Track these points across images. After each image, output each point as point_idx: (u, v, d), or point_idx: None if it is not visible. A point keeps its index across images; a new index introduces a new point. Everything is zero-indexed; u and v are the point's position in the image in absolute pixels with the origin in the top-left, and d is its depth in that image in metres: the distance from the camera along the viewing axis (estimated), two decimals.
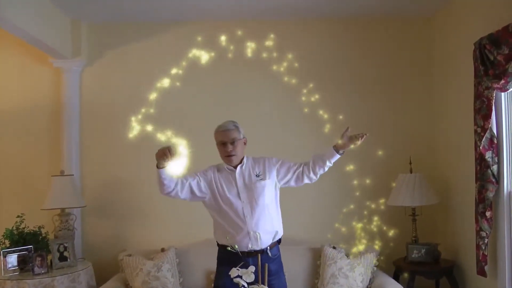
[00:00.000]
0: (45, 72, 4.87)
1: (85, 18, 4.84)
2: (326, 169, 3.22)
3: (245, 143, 3.23)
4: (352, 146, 3.12)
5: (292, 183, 3.28)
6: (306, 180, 3.25)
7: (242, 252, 3.01)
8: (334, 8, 4.67)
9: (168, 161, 2.79)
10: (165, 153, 2.76)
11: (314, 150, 4.75)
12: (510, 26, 3.30)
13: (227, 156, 3.13)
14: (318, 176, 3.24)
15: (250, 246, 3.06)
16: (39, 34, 4.16)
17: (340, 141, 3.13)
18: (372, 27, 4.96)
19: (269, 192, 3.19)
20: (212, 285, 4.16)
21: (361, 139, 3.11)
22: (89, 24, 4.91)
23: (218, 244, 3.25)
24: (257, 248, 3.07)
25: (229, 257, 2.94)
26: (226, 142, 3.11)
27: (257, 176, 3.17)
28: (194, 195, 3.13)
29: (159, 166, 2.84)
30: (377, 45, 4.96)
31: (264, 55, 4.90)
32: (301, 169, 3.24)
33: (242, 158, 3.21)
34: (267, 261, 2.97)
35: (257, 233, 3.07)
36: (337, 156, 3.16)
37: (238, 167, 3.18)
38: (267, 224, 3.13)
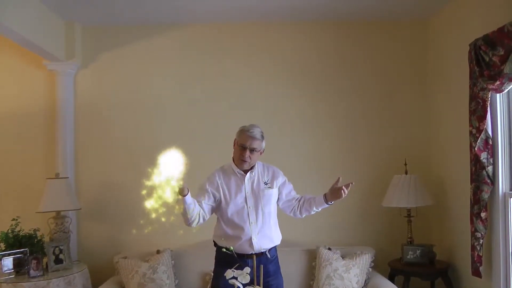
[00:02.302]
0: (39, 75, 4.85)
1: (79, 21, 4.82)
2: (312, 213, 3.27)
3: (261, 153, 3.23)
4: (339, 198, 3.09)
5: (281, 206, 3.34)
6: (292, 215, 3.34)
7: (242, 254, 3.04)
8: (330, 11, 4.66)
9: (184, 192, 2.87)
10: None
11: (309, 153, 4.82)
12: (506, 27, 3.30)
13: (241, 160, 3.13)
14: (303, 216, 3.32)
15: (251, 251, 3.08)
16: (32, 36, 4.14)
17: (328, 192, 3.13)
18: (368, 29, 4.96)
19: (274, 201, 3.24)
20: (208, 286, 4.18)
21: (346, 189, 3.05)
22: (83, 27, 4.89)
23: (215, 245, 3.25)
24: (257, 252, 3.09)
25: (227, 258, 2.94)
26: (246, 148, 3.11)
27: (266, 184, 3.21)
28: (214, 209, 3.20)
29: (182, 194, 2.89)
30: (373, 47, 4.96)
31: (260, 57, 4.91)
32: (294, 202, 3.30)
33: (254, 165, 3.22)
34: (266, 263, 3.04)
35: (260, 241, 3.11)
36: (325, 206, 3.18)
37: (248, 173, 3.19)
38: (269, 231, 3.17)
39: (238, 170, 3.19)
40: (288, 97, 4.91)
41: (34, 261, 4.11)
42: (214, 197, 3.15)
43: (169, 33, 4.92)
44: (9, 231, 4.28)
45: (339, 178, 3.08)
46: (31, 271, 4.07)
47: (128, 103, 4.87)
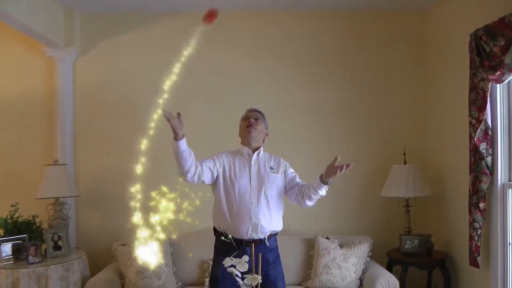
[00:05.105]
0: (38, 61, 4.83)
1: (79, 8, 4.79)
2: (314, 198, 3.14)
3: (266, 135, 3.30)
4: (334, 175, 3.02)
5: (286, 193, 3.29)
6: (296, 202, 3.26)
7: (241, 241, 3.02)
8: (329, 0, 4.64)
9: (178, 125, 2.81)
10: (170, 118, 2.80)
11: (307, 144, 4.82)
12: (507, 17, 3.30)
13: (247, 127, 3.17)
14: (307, 204, 3.20)
15: (249, 233, 3.05)
16: (32, 22, 4.12)
17: (324, 172, 3.07)
18: (367, 19, 4.94)
19: (278, 187, 3.21)
20: (206, 274, 4.20)
21: (342, 170, 2.97)
22: (83, 13, 4.87)
23: (215, 233, 3.25)
24: (256, 237, 3.07)
25: (226, 247, 2.88)
26: (250, 117, 3.20)
27: (271, 168, 3.20)
28: (213, 178, 3.13)
29: (176, 138, 2.84)
30: (373, 37, 4.95)
31: (260, 45, 4.89)
32: (297, 189, 3.24)
33: (259, 147, 3.24)
34: (264, 251, 3.02)
35: (258, 222, 3.06)
36: (323, 186, 3.08)
37: (255, 154, 3.20)
38: (269, 215, 3.13)
39: (247, 150, 3.20)
40: (286, 87, 4.90)
41: (32, 248, 4.11)
42: (216, 167, 3.10)
43: (169, 21, 4.89)
44: (8, 217, 4.29)
45: (336, 157, 3.02)
46: (30, 258, 4.08)
47: (127, 91, 4.86)
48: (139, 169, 4.71)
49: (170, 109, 4.71)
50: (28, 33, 4.31)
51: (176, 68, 4.84)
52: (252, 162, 3.18)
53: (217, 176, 3.14)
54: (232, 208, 3.09)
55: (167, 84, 4.82)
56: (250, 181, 3.12)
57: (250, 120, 3.19)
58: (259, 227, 3.07)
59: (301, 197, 3.20)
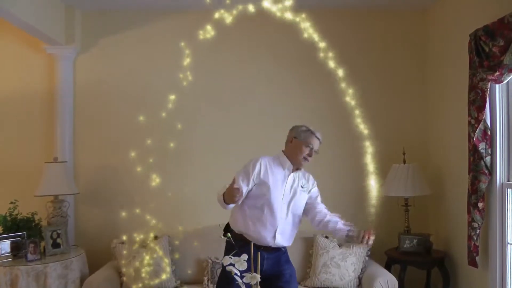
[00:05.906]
0: (39, 59, 4.84)
1: (79, 5, 4.79)
2: (331, 234, 3.35)
3: None
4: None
5: (305, 207, 3.29)
6: (309, 218, 3.29)
7: (259, 246, 3.02)
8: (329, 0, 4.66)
9: (238, 199, 2.88)
10: (235, 193, 2.82)
11: None
12: (506, 18, 3.30)
13: (305, 159, 3.16)
14: (317, 229, 3.30)
15: (268, 243, 3.10)
16: (32, 20, 4.12)
17: (354, 238, 3.14)
18: (367, 18, 4.95)
19: (303, 206, 3.25)
20: (205, 272, 4.20)
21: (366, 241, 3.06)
22: (83, 11, 4.87)
23: (226, 232, 3.18)
24: (273, 246, 3.13)
25: (241, 245, 2.83)
26: (313, 148, 3.16)
27: (302, 186, 3.22)
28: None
29: (227, 202, 2.93)
30: (372, 37, 4.96)
31: (259, 45, 4.89)
32: (313, 212, 3.26)
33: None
34: (280, 254, 3.16)
35: (281, 236, 3.11)
36: (344, 238, 3.24)
37: (294, 172, 3.20)
38: (290, 232, 3.20)
39: (289, 165, 3.18)
40: (285, 86, 4.91)
41: (31, 245, 4.11)
42: (253, 181, 3.10)
43: (170, 18, 4.90)
44: (7, 214, 4.29)
45: (364, 233, 3.08)
46: (29, 255, 4.08)
47: (127, 88, 4.86)
48: (139, 167, 4.73)
49: (171, 107, 4.74)
50: (29, 31, 4.31)
51: (177, 67, 4.85)
52: (290, 178, 3.17)
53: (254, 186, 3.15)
54: (260, 219, 3.09)
55: (168, 82, 4.84)
56: (283, 196, 3.12)
57: (311, 157, 3.17)
58: (279, 241, 3.12)
59: (318, 227, 3.27)
